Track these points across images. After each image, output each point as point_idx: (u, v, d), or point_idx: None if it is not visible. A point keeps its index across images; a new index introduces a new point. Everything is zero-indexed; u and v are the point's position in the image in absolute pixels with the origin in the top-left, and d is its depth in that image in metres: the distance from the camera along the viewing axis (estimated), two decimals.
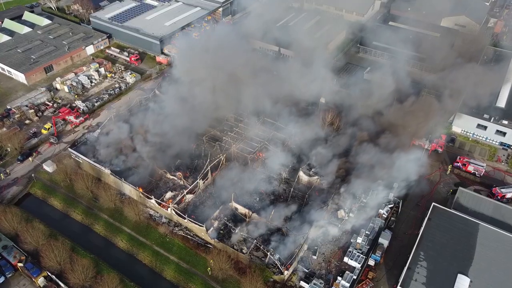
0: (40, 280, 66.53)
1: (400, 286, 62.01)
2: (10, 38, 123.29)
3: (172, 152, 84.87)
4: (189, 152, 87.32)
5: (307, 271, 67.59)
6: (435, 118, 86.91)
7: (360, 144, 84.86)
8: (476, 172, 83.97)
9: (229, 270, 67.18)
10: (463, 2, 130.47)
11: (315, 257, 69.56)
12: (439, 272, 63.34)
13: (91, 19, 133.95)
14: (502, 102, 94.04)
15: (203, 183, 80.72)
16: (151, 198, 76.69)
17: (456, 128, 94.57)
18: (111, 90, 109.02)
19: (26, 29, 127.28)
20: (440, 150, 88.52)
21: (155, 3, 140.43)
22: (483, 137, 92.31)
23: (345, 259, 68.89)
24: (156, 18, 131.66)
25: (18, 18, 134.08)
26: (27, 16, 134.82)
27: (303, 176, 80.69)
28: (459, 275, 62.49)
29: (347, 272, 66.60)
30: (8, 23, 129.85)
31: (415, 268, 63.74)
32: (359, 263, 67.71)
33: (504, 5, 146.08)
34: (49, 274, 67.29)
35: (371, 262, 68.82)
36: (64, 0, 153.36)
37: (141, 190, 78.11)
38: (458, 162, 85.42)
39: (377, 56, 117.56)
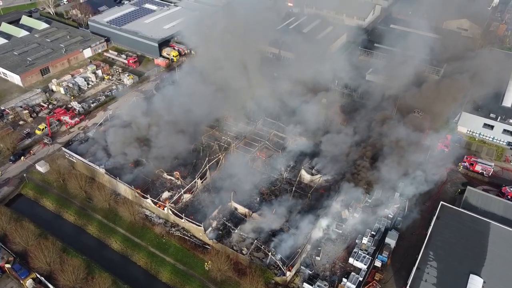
0: (28, 282, 63.02)
1: (409, 287, 58.52)
2: (7, 41, 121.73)
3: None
4: (188, 151, 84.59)
5: (310, 272, 64.10)
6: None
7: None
8: (484, 172, 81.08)
9: (228, 271, 63.60)
10: (465, 6, 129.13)
11: (318, 258, 66.11)
12: (450, 272, 59.82)
13: (89, 23, 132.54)
14: (508, 102, 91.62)
15: (201, 182, 77.69)
16: (147, 198, 73.59)
17: (462, 128, 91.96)
18: (108, 92, 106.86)
19: (23, 33, 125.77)
20: (446, 149, 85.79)
21: (154, 8, 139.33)
22: (489, 137, 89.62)
23: (350, 260, 65.50)
24: (154, 21, 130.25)
25: (16, 22, 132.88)
26: (25, 20, 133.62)
27: (305, 175, 77.74)
28: (471, 275, 59.06)
29: (352, 273, 63.20)
30: (5, 27, 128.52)
31: (424, 268, 60.31)
32: (365, 264, 64.37)
33: (506, 9, 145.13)
34: (37, 275, 63.70)
35: (378, 263, 65.43)
36: (63, 6, 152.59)
37: (138, 190, 75.03)
38: (465, 162, 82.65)
39: (379, 58, 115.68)
